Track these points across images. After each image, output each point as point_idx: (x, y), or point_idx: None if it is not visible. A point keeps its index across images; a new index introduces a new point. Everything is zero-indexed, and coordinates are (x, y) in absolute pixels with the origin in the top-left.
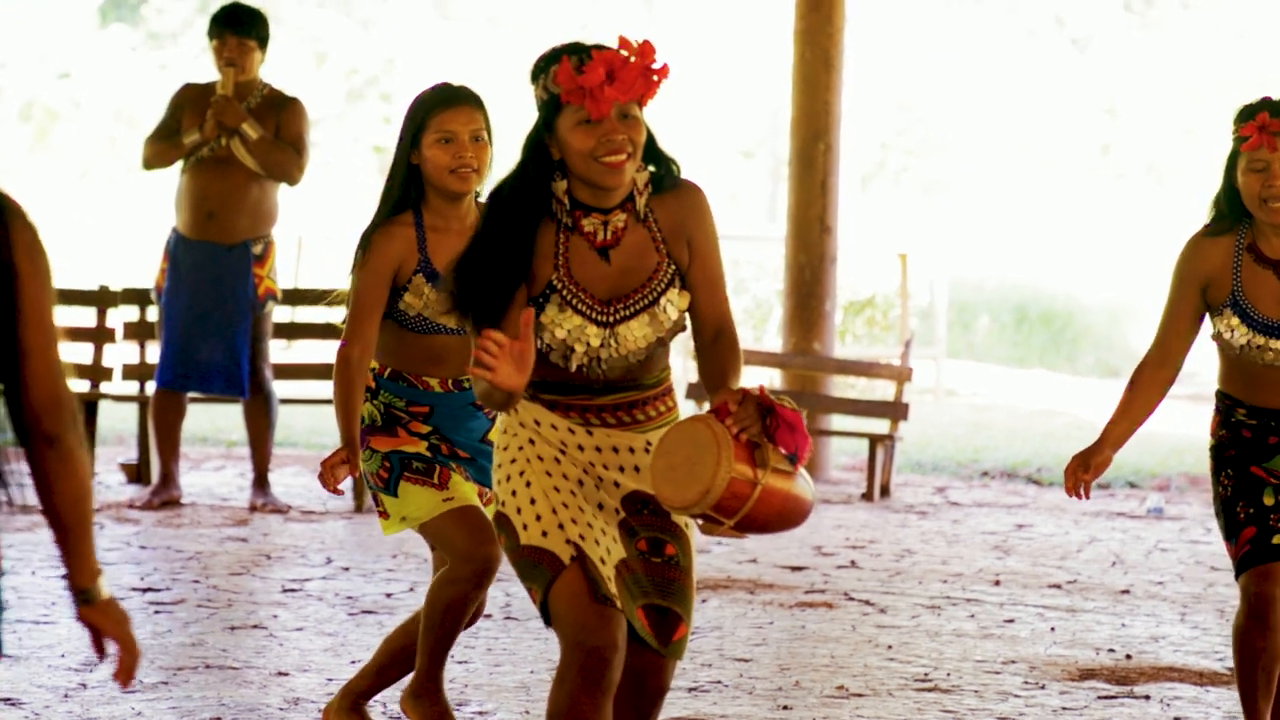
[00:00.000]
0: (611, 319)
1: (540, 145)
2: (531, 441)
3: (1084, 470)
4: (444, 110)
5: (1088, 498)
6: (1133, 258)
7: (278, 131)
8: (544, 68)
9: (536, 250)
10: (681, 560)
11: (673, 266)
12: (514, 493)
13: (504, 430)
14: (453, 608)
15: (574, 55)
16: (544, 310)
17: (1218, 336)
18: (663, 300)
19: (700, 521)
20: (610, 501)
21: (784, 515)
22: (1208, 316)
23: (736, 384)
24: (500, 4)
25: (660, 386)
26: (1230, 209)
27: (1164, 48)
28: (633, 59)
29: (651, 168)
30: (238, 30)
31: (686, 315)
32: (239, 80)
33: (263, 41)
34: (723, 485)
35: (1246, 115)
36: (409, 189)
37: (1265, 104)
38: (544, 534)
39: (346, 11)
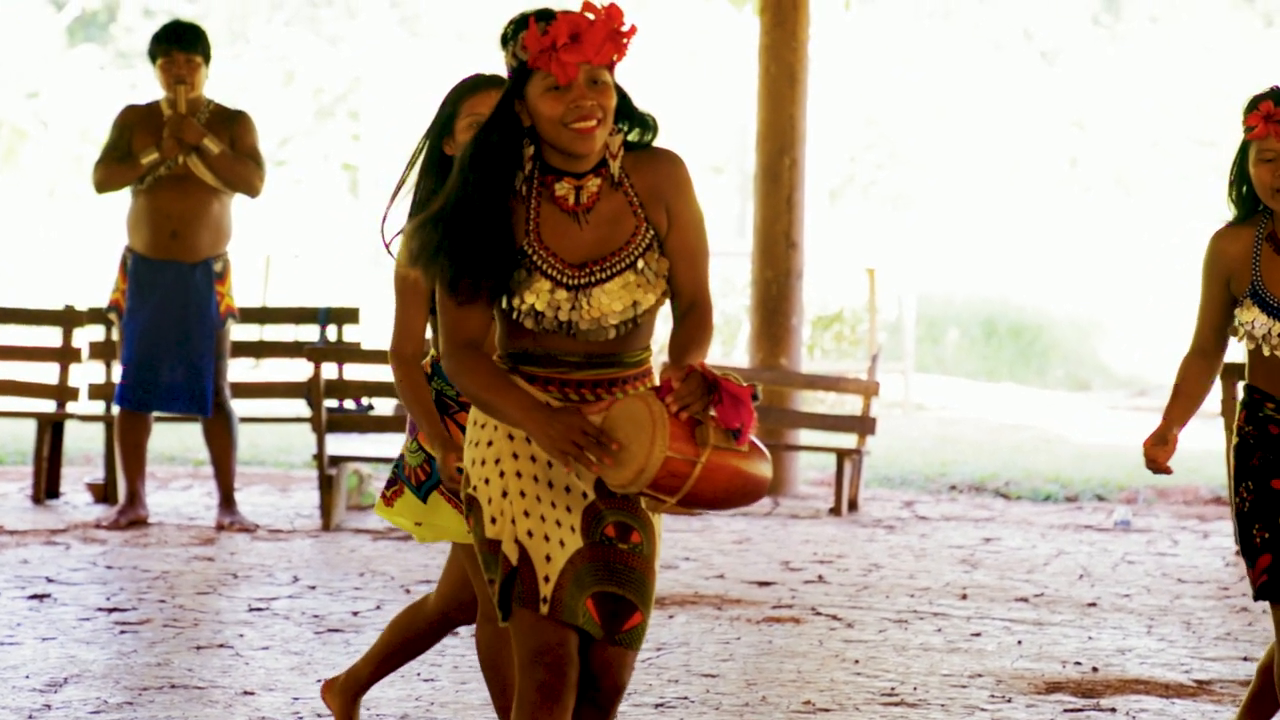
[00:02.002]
0: (583, 282)
1: (510, 111)
2: None
3: (1162, 446)
4: (475, 95)
5: (1170, 472)
6: (1101, 270)
7: (232, 145)
8: (513, 34)
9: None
10: (645, 549)
11: (651, 231)
12: (486, 480)
13: None
14: (500, 648)
15: (540, 20)
16: (512, 275)
17: (1238, 329)
18: (640, 264)
19: (644, 500)
20: (579, 484)
21: (731, 493)
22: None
23: (698, 359)
24: (469, 19)
25: (640, 367)
26: (1247, 201)
27: (1132, 61)
28: (598, 21)
29: (625, 127)
30: (185, 47)
31: (667, 286)
32: (189, 97)
33: (207, 57)
34: (657, 464)
35: (1252, 105)
36: (437, 179)
37: (1271, 93)
38: (504, 529)
39: (314, 29)
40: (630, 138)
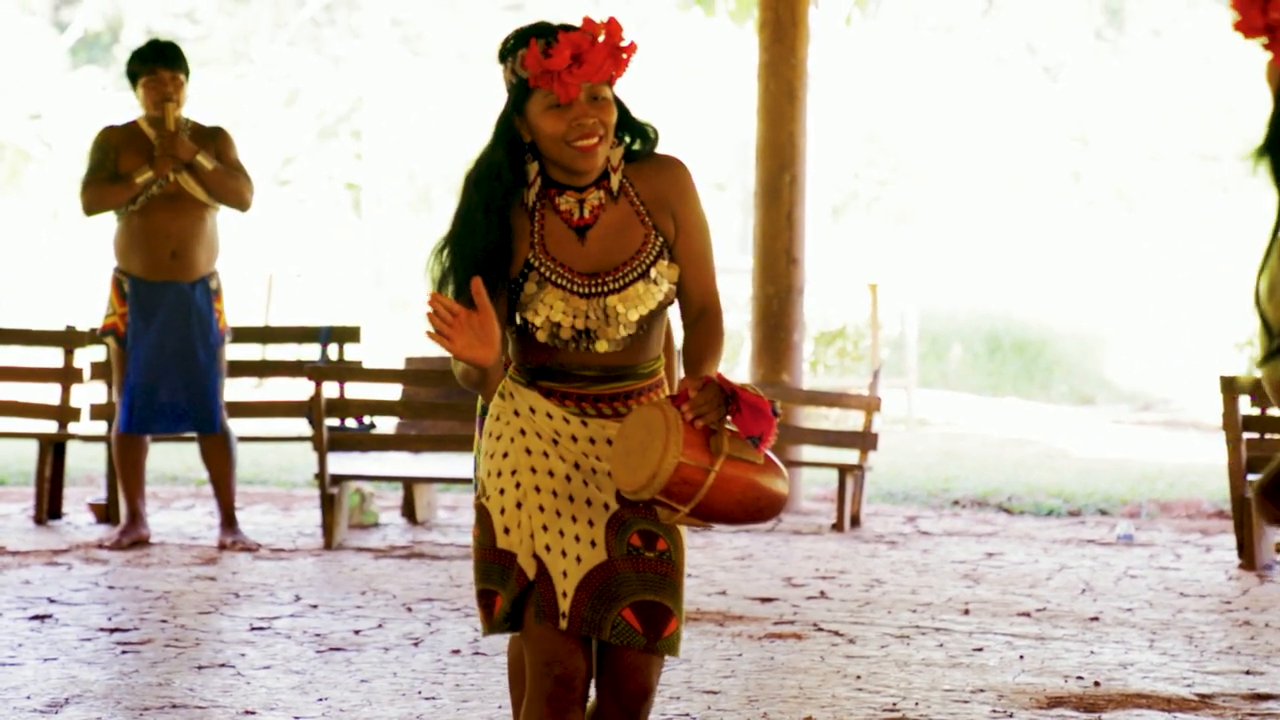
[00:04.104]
0: (596, 291)
1: (511, 127)
2: (523, 432)
3: None
4: None
5: None
6: (1104, 284)
7: (218, 160)
8: (512, 50)
9: (513, 230)
10: (674, 555)
11: (660, 238)
12: (501, 490)
13: (496, 417)
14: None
15: (541, 39)
16: (523, 289)
17: None
18: (653, 272)
19: (658, 509)
20: (601, 496)
21: (746, 505)
22: None
23: (713, 367)
24: (471, 39)
25: (654, 378)
26: None
27: (1135, 75)
28: (600, 37)
29: (627, 138)
30: (170, 65)
31: (675, 290)
32: (174, 114)
33: (188, 74)
34: (669, 470)
35: None
36: None
37: None
38: (521, 542)
39: (317, 49)
40: (632, 148)
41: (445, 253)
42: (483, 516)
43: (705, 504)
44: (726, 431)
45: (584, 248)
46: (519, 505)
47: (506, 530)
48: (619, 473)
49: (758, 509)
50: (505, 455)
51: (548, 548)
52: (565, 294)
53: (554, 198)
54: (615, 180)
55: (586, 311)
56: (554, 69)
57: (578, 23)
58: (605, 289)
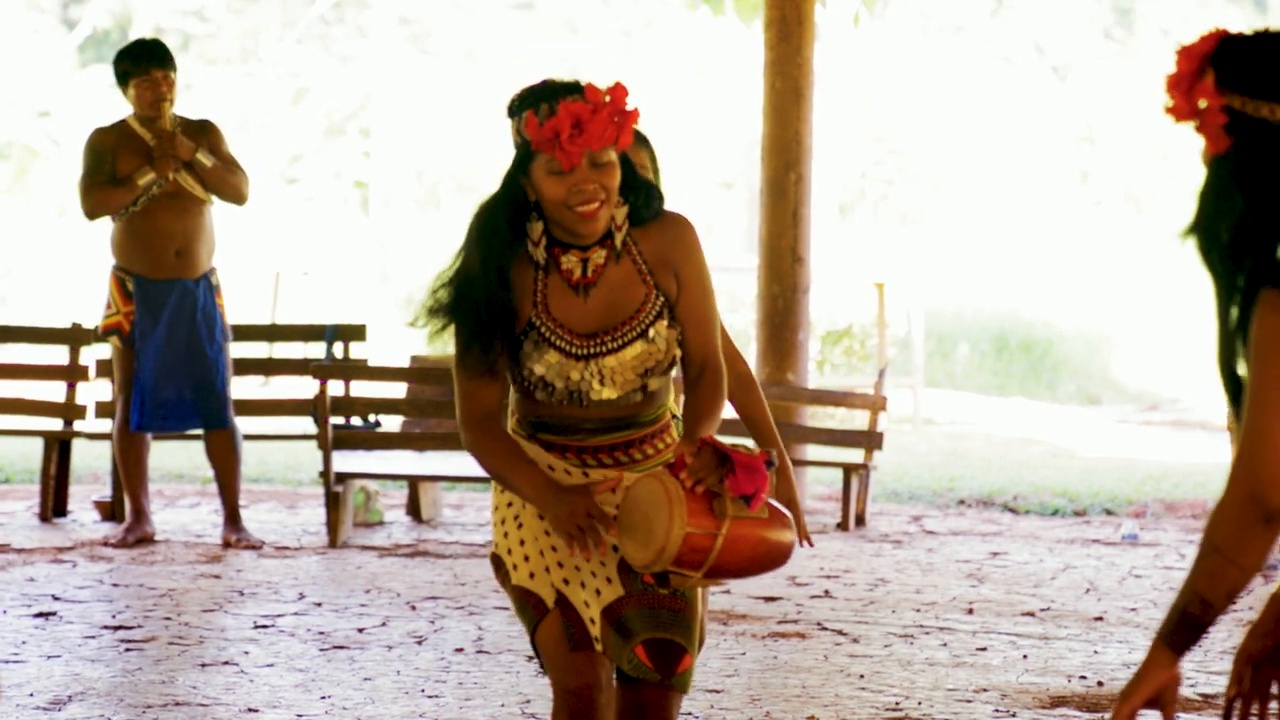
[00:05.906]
0: (593, 352)
1: (516, 184)
2: None
3: None
4: None
5: None
6: (1112, 285)
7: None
8: (516, 111)
9: (515, 287)
10: (685, 591)
11: (661, 298)
12: (506, 534)
13: None
14: None
15: (544, 101)
16: (522, 346)
17: None
18: (651, 332)
19: (671, 578)
20: (610, 538)
21: (756, 560)
22: None
23: (710, 428)
24: (478, 38)
25: (658, 424)
26: None
27: (1143, 75)
28: (606, 99)
29: (632, 199)
30: (164, 64)
31: (678, 349)
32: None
33: (176, 71)
34: (677, 543)
35: None
36: None
37: None
38: (531, 575)
39: (325, 48)
40: (638, 206)
41: (448, 294)
42: (498, 562)
43: (717, 566)
44: (728, 493)
45: (586, 306)
46: (522, 543)
47: (515, 567)
48: (626, 548)
49: (768, 561)
50: (509, 504)
51: (566, 581)
52: (562, 357)
53: (558, 256)
54: (619, 239)
55: (582, 372)
56: (556, 138)
57: (582, 69)
58: (603, 349)
